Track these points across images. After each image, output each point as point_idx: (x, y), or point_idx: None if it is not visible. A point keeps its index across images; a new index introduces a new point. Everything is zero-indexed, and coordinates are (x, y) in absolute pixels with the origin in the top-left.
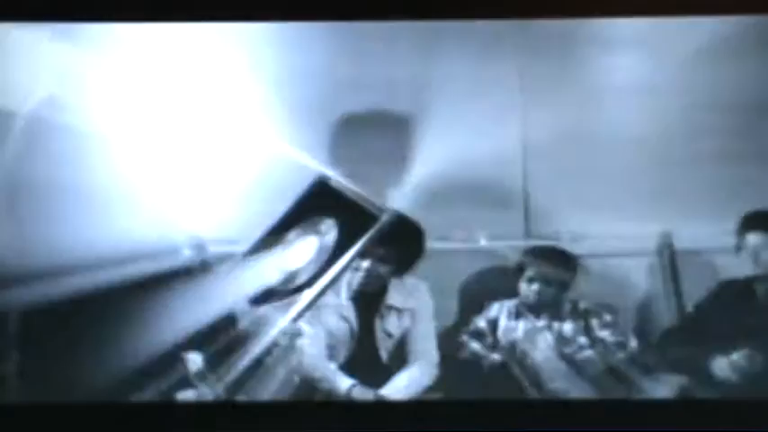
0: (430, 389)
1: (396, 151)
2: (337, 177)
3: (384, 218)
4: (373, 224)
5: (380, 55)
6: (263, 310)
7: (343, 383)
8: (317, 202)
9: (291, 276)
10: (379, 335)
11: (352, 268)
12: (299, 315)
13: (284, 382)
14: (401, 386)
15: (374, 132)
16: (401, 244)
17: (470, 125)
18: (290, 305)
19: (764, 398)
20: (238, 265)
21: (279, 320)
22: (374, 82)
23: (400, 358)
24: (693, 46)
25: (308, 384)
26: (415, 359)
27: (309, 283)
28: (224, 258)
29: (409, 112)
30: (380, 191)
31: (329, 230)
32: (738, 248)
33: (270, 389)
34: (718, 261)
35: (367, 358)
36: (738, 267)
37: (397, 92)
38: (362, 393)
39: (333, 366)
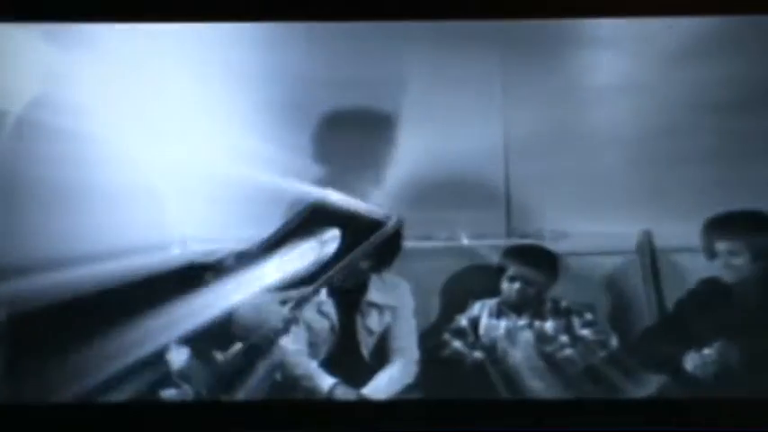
0: (411, 387)
1: (377, 150)
2: (334, 195)
3: (390, 223)
4: (378, 229)
5: (360, 54)
6: (255, 308)
7: (325, 382)
8: (316, 220)
9: (290, 276)
10: (360, 331)
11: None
12: (294, 308)
13: (265, 379)
14: (382, 385)
15: (355, 131)
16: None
17: (452, 124)
18: (284, 302)
19: (742, 397)
20: (233, 265)
21: (270, 316)
22: (355, 81)
23: (381, 355)
24: (675, 45)
25: (290, 382)
26: (395, 357)
27: (306, 281)
28: (213, 257)
29: (390, 111)
30: (362, 189)
31: (333, 239)
32: (713, 256)
33: (251, 387)
34: (699, 260)
35: (348, 355)
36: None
37: (378, 91)
38: (345, 392)
39: (314, 364)
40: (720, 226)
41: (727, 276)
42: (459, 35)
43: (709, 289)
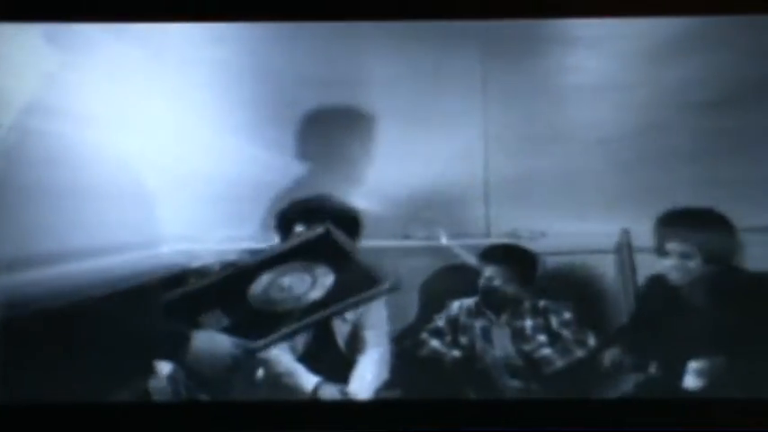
0: (389, 386)
1: (357, 149)
2: (339, 233)
3: (384, 285)
4: (372, 285)
5: (340, 53)
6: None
7: (309, 380)
8: (316, 250)
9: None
10: (335, 321)
11: None
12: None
13: (248, 378)
14: (365, 381)
15: (335, 130)
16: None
17: (431, 123)
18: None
19: (743, 397)
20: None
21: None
22: (334, 80)
23: (356, 345)
24: (655, 45)
25: (272, 379)
26: (369, 347)
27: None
28: (199, 259)
29: (370, 111)
30: (342, 188)
31: (325, 275)
32: (665, 254)
33: (234, 386)
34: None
35: (325, 346)
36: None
37: (358, 90)
38: (329, 390)
39: (295, 360)
40: (672, 224)
41: (676, 278)
42: (440, 34)
43: (656, 288)
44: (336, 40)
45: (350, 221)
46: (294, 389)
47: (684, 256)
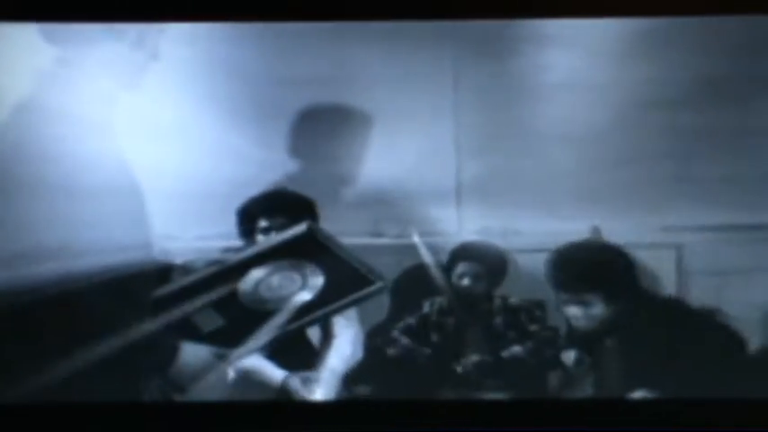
0: (359, 384)
1: (329, 148)
2: (322, 230)
3: (376, 285)
4: (364, 286)
5: (312, 53)
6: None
7: (277, 374)
8: (300, 248)
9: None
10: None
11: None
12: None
13: (219, 376)
14: (345, 355)
15: (306, 129)
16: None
17: (403, 122)
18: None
19: (742, 397)
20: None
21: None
22: (309, 79)
23: (326, 336)
24: (627, 44)
25: (241, 376)
26: (339, 337)
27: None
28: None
29: (342, 110)
30: (314, 186)
31: (315, 275)
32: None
33: (204, 385)
34: (645, 256)
35: (294, 340)
36: (660, 262)
37: (329, 89)
38: (298, 383)
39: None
40: (567, 277)
41: (581, 325)
42: (412, 34)
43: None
44: (309, 39)
45: (306, 213)
46: (262, 384)
47: (585, 305)
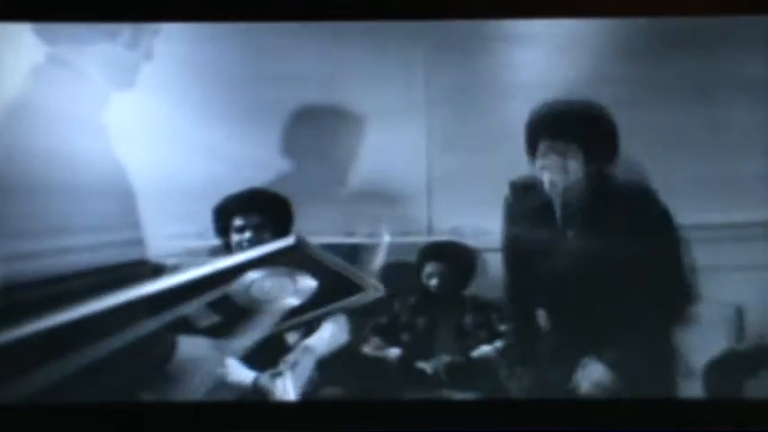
0: (329, 384)
1: (301, 146)
2: (310, 244)
3: (371, 292)
4: (356, 291)
5: (285, 51)
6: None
7: (247, 375)
8: (289, 260)
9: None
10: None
11: (236, 242)
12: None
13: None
14: (325, 337)
15: (280, 127)
16: (274, 213)
17: (374, 120)
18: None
19: (742, 397)
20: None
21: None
22: (281, 77)
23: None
24: (597, 43)
25: (210, 378)
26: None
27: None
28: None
29: (313, 108)
30: (290, 185)
31: (306, 282)
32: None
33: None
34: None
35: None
36: None
37: (303, 86)
38: (266, 379)
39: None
40: (554, 122)
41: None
42: (383, 33)
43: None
44: (282, 39)
45: (282, 212)
46: (232, 385)
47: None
